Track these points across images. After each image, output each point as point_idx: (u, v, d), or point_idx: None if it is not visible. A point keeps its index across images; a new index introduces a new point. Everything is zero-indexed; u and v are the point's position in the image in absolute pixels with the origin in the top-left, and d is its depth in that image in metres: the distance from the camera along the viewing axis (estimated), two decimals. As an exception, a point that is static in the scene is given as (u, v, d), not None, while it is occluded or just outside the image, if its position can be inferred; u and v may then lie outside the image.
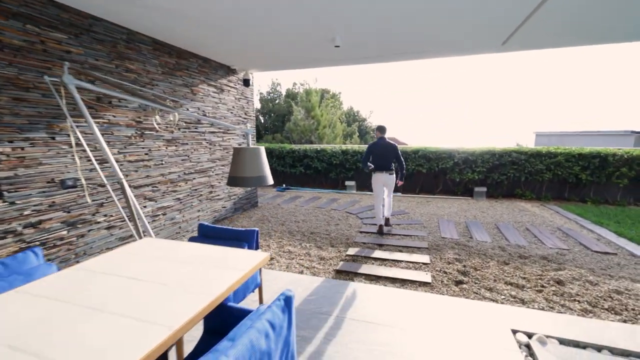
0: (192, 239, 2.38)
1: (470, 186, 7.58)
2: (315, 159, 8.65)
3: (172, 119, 3.14)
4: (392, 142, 4.83)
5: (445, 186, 7.97)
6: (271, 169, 9.30)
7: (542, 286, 3.19)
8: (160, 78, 4.13)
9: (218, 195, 5.51)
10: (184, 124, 4.62)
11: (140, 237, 2.97)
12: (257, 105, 16.65)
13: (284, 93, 17.02)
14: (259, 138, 14.38)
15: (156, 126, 3.70)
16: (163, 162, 4.26)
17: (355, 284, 3.23)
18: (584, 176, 6.64)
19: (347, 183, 8.51)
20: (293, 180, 9.34)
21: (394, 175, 4.88)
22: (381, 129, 4.91)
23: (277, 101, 16.89)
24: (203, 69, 4.95)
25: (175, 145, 4.47)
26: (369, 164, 4.88)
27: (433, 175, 7.92)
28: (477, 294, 3.05)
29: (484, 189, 7.39)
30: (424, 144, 8.10)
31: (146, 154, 3.99)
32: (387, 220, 5.16)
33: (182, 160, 4.63)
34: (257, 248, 2.39)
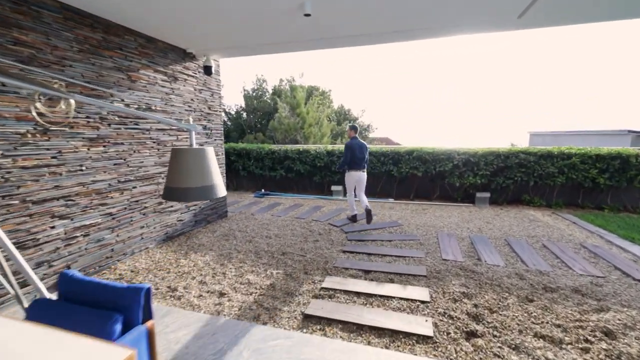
0: (35, 306, 1.41)
1: (471, 191, 6.71)
2: (297, 161, 7.69)
3: (64, 107, 2.19)
4: (362, 141, 5.26)
5: (444, 191, 7.09)
6: (249, 172, 8.32)
7: (587, 341, 2.29)
8: (76, 57, 3.14)
9: (171, 206, 4.52)
10: (117, 119, 3.63)
11: (12, 286, 2.00)
12: (242, 102, 15.66)
13: (270, 90, 16.05)
14: (241, 137, 13.35)
15: (36, 116, 2.72)
16: (83, 168, 3.27)
17: (327, 342, 2.29)
18: (601, 180, 5.81)
19: (334, 188, 7.58)
20: (273, 184, 8.38)
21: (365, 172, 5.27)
22: (355, 129, 5.34)
23: (263, 98, 15.90)
24: (146, 51, 3.97)
25: (104, 146, 3.49)
26: None
27: (429, 179, 7.03)
28: (499, 357, 2.14)
29: (487, 195, 6.53)
30: (418, 144, 7.21)
31: (54, 157, 3.00)
32: (369, 211, 5.11)
33: (116, 164, 3.64)
34: (147, 317, 1.43)
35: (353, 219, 5.35)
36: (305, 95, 12.43)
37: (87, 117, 3.27)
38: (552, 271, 3.43)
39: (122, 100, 3.67)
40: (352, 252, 4.07)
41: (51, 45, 2.92)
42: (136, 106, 3.86)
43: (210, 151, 1.39)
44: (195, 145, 1.42)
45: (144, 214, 4.05)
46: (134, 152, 3.88)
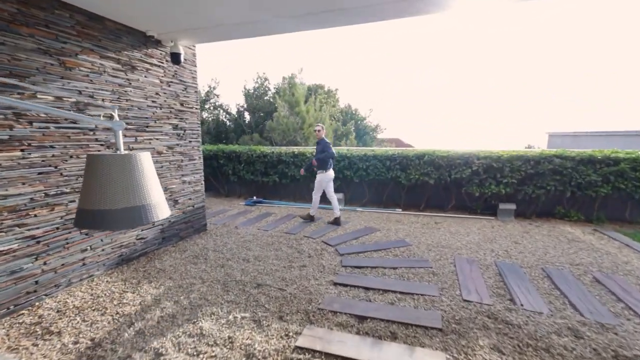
0: None
1: (493, 202, 5.73)
2: (291, 165, 6.84)
3: None
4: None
5: (460, 201, 6.13)
6: (240, 177, 7.51)
7: None
8: (-27, 33, 2.37)
9: (128, 222, 3.72)
10: (44, 116, 2.85)
11: None
12: (241, 101, 14.92)
13: (272, 89, 15.29)
14: (237, 138, 12.56)
15: None
16: (-13, 179, 2.50)
17: None
18: (657, 191, 4.76)
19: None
20: (267, 191, 7.55)
21: None
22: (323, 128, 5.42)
23: (264, 97, 15.14)
24: (88, 31, 3.19)
25: (22, 150, 2.71)
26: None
27: (443, 187, 6.08)
28: None
29: (512, 207, 5.54)
30: (430, 146, 6.29)
31: None
32: (337, 219, 5.31)
33: (41, 174, 2.86)
34: None
35: (311, 218, 5.50)
36: (307, 93, 11.57)
37: (-7, 112, 2.50)
38: (619, 325, 2.48)
39: (51, 92, 2.89)
40: (345, 286, 3.19)
41: None
42: (73, 99, 3.08)
43: (144, 158, 1.07)
44: (123, 150, 1.08)
45: (86, 234, 3.27)
46: (71, 157, 3.10)
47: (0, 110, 2.55)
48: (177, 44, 4.02)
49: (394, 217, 5.88)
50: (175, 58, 4.04)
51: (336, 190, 6.85)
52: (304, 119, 10.46)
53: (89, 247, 3.30)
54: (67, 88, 3.02)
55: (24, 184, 2.73)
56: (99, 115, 3.44)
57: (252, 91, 14.68)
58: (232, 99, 37.19)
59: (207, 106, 14.75)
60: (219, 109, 15.22)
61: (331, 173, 5.31)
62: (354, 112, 18.19)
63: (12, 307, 2.69)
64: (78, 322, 2.59)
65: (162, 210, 1.13)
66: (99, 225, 0.96)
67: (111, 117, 1.42)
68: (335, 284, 3.24)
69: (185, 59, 4.47)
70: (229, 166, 7.45)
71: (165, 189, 4.23)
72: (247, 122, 14.63)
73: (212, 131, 12.71)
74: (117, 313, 2.72)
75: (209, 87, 14.20)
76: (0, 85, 2.51)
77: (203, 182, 5.00)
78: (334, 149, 5.47)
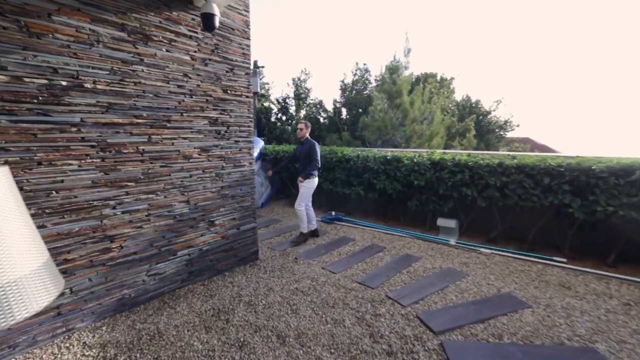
0: None
1: None
2: (382, 175, 4.99)
3: None
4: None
5: None
6: (317, 185, 6.07)
7: None
8: None
9: (134, 253, 2.70)
10: (-12, 104, 1.94)
11: None
12: (338, 96, 13.68)
13: (373, 82, 13.52)
14: (318, 137, 11.15)
15: None
16: None
17: None
18: None
19: (441, 222, 4.57)
20: (350, 205, 5.91)
21: None
22: (309, 126, 4.58)
23: (365, 92, 13.53)
24: (70, -20, 2.19)
25: (-51, 155, 1.84)
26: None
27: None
28: None
29: None
30: (584, 150, 3.45)
31: None
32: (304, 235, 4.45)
33: None
34: None
35: (304, 237, 4.45)
36: (413, 82, 9.34)
37: None
38: None
39: (4, 68, 1.97)
40: None
41: None
42: (44, 80, 2.12)
43: None
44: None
45: (65, 272, 2.32)
46: (39, 164, 2.16)
47: None
48: (210, 1, 2.77)
49: (552, 274, 3.40)
50: (207, 22, 2.81)
51: (447, 215, 4.71)
52: (405, 113, 8.29)
53: (68, 290, 2.35)
54: (31, 64, 2.07)
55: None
56: (92, 103, 2.46)
57: (350, 84, 13.27)
58: (327, 94, 36.30)
59: (304, 103, 14.10)
60: (317, 105, 14.39)
61: (316, 180, 4.51)
62: (474, 104, 14.70)
63: None
64: None
65: (21, 299, 0.60)
66: None
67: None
68: None
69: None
70: (305, 171, 6.14)
71: (195, 207, 3.09)
72: (343, 119, 13.32)
73: (303, 129, 11.88)
74: None
75: (298, 79, 13.44)
76: None
77: (254, 197, 3.74)
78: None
